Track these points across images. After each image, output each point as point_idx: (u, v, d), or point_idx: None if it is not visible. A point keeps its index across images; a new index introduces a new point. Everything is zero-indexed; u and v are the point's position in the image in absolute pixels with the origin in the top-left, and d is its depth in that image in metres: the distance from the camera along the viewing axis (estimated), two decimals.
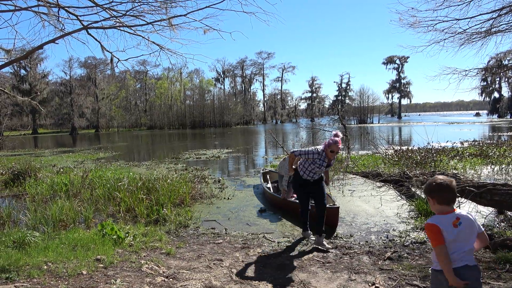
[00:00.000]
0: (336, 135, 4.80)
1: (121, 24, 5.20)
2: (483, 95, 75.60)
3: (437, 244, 2.10)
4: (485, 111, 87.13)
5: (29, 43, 5.60)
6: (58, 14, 5.12)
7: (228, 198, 7.99)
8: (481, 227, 2.21)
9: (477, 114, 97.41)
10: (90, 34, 5.23)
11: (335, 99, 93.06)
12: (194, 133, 50.38)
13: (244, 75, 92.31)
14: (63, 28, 5.24)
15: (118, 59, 5.86)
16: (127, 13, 5.11)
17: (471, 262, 2.11)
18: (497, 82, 70.05)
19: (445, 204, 2.18)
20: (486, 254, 4.26)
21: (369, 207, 6.87)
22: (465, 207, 5.95)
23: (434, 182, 2.22)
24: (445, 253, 2.08)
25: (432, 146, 11.46)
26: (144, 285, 3.57)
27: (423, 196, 6.68)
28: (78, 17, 5.12)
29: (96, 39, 5.40)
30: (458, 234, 2.09)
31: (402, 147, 13.01)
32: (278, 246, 4.90)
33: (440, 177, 2.25)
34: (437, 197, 2.19)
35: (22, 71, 65.09)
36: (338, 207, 5.69)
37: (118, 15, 5.12)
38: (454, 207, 2.21)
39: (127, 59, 5.95)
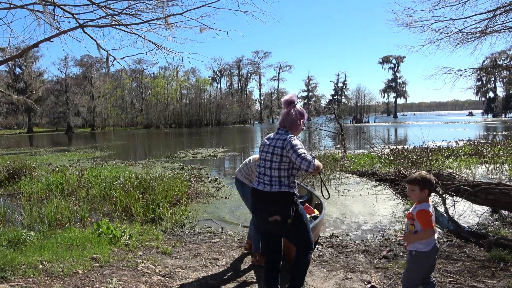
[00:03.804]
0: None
1: (117, 23, 5.17)
2: (478, 94, 76.24)
3: (432, 226, 2.66)
4: (480, 111, 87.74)
5: (24, 41, 5.56)
6: (54, 12, 5.09)
7: (225, 197, 7.99)
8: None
9: (470, 114, 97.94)
10: (86, 33, 5.20)
11: (331, 98, 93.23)
12: (190, 132, 50.25)
13: (240, 74, 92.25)
14: (58, 26, 5.22)
15: (114, 57, 5.83)
16: (123, 12, 5.08)
17: None
18: (492, 82, 70.59)
19: (429, 194, 2.76)
20: (481, 253, 4.30)
21: (365, 206, 6.90)
22: (460, 206, 6.02)
23: (428, 176, 2.71)
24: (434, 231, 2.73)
25: (428, 145, 11.53)
26: (140, 284, 3.56)
27: None
28: (74, 15, 5.09)
29: (92, 38, 5.37)
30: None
31: (398, 146, 13.07)
32: None
33: (424, 172, 2.77)
34: (431, 189, 2.72)
35: (17, 70, 64.60)
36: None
37: (114, 13, 5.10)
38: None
39: (123, 58, 5.93)
